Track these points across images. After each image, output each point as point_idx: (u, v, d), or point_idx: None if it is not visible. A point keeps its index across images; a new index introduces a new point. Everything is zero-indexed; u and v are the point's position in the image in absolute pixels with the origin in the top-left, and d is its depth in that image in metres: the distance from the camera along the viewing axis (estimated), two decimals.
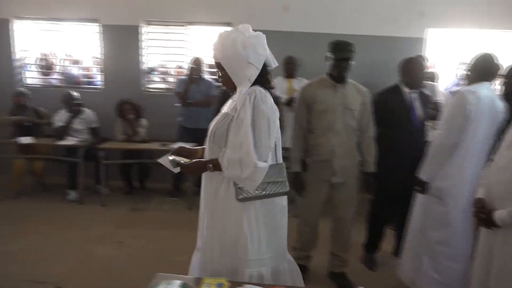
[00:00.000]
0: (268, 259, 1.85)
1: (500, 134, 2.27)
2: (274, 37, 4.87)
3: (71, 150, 4.72)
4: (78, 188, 4.71)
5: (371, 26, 5.00)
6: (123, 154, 4.89)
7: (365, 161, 2.85)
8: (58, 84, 5.69)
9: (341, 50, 2.69)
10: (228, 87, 1.83)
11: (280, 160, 1.82)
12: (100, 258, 3.32)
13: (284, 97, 4.39)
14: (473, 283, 2.01)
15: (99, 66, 5.53)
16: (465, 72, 2.58)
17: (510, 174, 1.76)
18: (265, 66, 1.79)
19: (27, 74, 5.65)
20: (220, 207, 1.84)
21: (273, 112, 1.74)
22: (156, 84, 5.67)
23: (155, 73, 5.69)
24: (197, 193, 2.07)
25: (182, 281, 1.59)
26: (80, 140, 4.75)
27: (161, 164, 1.89)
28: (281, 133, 3.23)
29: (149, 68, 5.50)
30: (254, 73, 1.72)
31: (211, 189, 1.86)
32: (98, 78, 5.62)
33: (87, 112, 4.96)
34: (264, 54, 1.75)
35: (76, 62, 6.03)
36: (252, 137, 1.66)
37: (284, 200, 1.88)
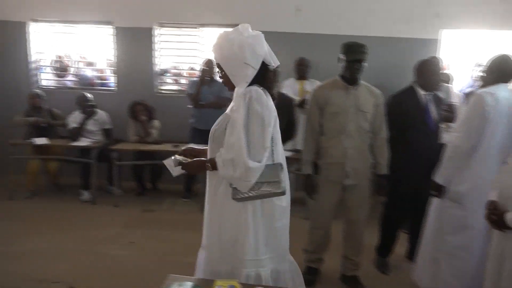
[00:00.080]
0: (267, 260, 1.84)
1: None
2: (286, 39, 4.98)
3: (84, 151, 4.77)
4: (91, 189, 4.76)
5: (384, 28, 4.96)
6: (136, 155, 4.93)
7: (377, 163, 2.82)
8: (72, 85, 5.77)
9: (354, 52, 2.67)
10: (229, 87, 1.84)
11: (278, 160, 1.80)
12: (112, 258, 3.34)
13: (296, 98, 4.38)
14: (486, 285, 1.99)
15: (112, 68, 5.59)
16: (480, 74, 2.54)
17: None
18: (265, 65, 1.79)
19: (43, 76, 5.74)
20: (219, 206, 1.85)
21: (269, 112, 1.73)
22: (169, 85, 5.71)
23: (168, 74, 5.73)
24: None
25: (193, 282, 1.59)
26: (93, 141, 4.80)
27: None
28: (293, 135, 3.26)
29: (161, 69, 5.54)
30: (251, 74, 1.73)
31: (212, 188, 1.88)
32: (112, 80, 5.67)
33: (101, 114, 5.01)
34: (262, 54, 1.75)
35: (90, 64, 6.11)
36: (244, 138, 1.67)
37: (283, 200, 1.85)
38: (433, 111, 3.02)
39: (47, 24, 5.52)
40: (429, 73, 2.97)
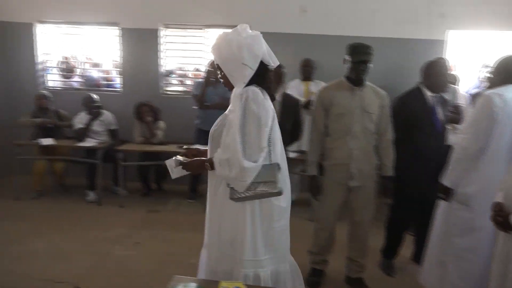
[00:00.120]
0: (267, 261, 1.83)
1: None
2: (291, 40, 4.98)
3: (90, 151, 4.79)
4: (97, 189, 4.78)
5: (390, 28, 4.94)
6: (141, 156, 4.95)
7: (383, 165, 2.81)
8: (79, 86, 5.79)
9: (359, 53, 2.66)
10: (228, 88, 1.84)
11: (276, 160, 1.79)
12: (118, 258, 3.35)
13: (301, 99, 4.37)
14: (491, 286, 1.98)
15: (118, 69, 5.61)
16: (487, 75, 2.52)
17: None
18: (264, 65, 1.79)
19: (49, 76, 5.77)
20: (219, 206, 1.86)
21: (266, 112, 1.73)
22: (174, 86, 5.72)
23: (173, 75, 5.74)
24: None
25: (198, 283, 1.59)
26: (99, 142, 4.82)
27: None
28: (300, 136, 3.25)
29: (167, 71, 5.56)
30: (248, 74, 1.73)
31: (212, 188, 1.89)
32: (117, 81, 5.70)
33: (107, 114, 5.04)
34: (260, 54, 1.75)
35: (96, 65, 6.14)
36: (240, 138, 1.67)
37: (282, 201, 1.85)
38: (440, 113, 3.00)
39: (53, 26, 5.56)
40: (436, 74, 2.95)
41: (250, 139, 1.70)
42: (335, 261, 3.07)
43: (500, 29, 4.85)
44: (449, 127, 3.16)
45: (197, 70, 5.83)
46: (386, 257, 3.27)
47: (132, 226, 4.08)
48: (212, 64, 4.66)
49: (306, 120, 3.62)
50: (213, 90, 4.65)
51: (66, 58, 5.97)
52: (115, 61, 5.72)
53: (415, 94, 3.03)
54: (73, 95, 5.37)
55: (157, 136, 4.94)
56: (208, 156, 1.88)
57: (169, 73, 5.62)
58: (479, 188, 2.35)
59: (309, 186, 2.86)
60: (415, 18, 4.93)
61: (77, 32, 5.58)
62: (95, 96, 5.00)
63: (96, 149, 4.71)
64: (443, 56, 4.63)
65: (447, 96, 3.16)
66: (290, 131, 3.16)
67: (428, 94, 2.99)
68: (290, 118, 3.11)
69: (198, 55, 5.38)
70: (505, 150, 2.33)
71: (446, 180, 2.46)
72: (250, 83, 1.75)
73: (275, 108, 2.96)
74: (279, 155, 1.83)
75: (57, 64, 5.90)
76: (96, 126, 4.93)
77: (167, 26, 5.35)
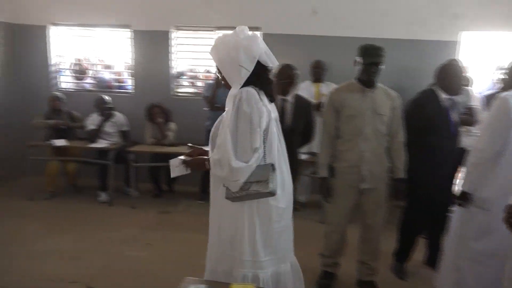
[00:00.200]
0: (267, 262, 1.83)
1: None
2: (302, 41, 4.97)
3: (102, 152, 4.83)
4: (109, 190, 4.81)
5: (402, 30, 4.90)
6: (152, 157, 4.98)
7: (394, 167, 2.79)
8: (91, 88, 5.86)
9: (371, 55, 2.64)
10: (228, 89, 1.85)
11: (272, 161, 1.79)
12: (129, 259, 3.37)
13: (312, 101, 4.36)
14: (504, 286, 1.94)
15: (130, 71, 5.65)
16: (502, 76, 2.48)
17: None
18: (262, 66, 1.79)
19: (62, 78, 5.84)
20: (218, 206, 1.88)
21: (259, 113, 1.73)
22: (185, 88, 5.75)
23: (184, 77, 5.77)
24: None
25: (209, 285, 1.60)
26: (111, 143, 4.86)
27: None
28: (312, 137, 3.24)
29: (178, 72, 5.58)
30: (244, 75, 1.75)
31: (213, 187, 1.92)
32: (129, 83, 5.75)
33: (118, 116, 5.08)
34: (256, 55, 1.76)
35: (108, 67, 6.19)
36: (231, 138, 1.70)
37: (281, 202, 1.84)
38: (454, 115, 2.96)
39: (66, 28, 5.63)
40: (451, 76, 2.91)
41: (241, 139, 1.71)
42: (347, 264, 3.05)
43: None
44: (463, 129, 3.12)
45: (208, 71, 5.85)
46: (398, 260, 3.24)
47: (143, 227, 4.11)
48: None
49: (317, 122, 3.61)
50: (223, 91, 4.62)
51: (78, 60, 6.04)
52: (127, 63, 5.76)
53: (430, 96, 2.99)
54: (86, 97, 5.42)
55: (168, 138, 4.97)
56: (210, 156, 1.90)
57: (180, 75, 5.65)
58: (497, 192, 2.30)
59: (320, 188, 2.85)
60: (427, 19, 4.88)
61: (90, 34, 5.65)
62: (107, 98, 5.04)
63: (108, 150, 4.75)
64: (456, 58, 4.57)
65: (460, 98, 3.13)
66: (302, 132, 3.15)
67: (443, 96, 2.95)
68: (302, 119, 3.10)
69: (209, 57, 5.36)
70: None
71: (464, 185, 2.41)
72: (247, 83, 1.76)
73: (286, 109, 3.01)
74: (276, 156, 1.82)
75: (70, 66, 5.97)
76: (108, 128, 4.97)
77: (178, 28, 5.38)
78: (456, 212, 2.56)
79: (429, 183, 2.93)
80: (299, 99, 3.14)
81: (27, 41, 5.58)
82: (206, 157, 1.89)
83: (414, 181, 2.85)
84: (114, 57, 6.12)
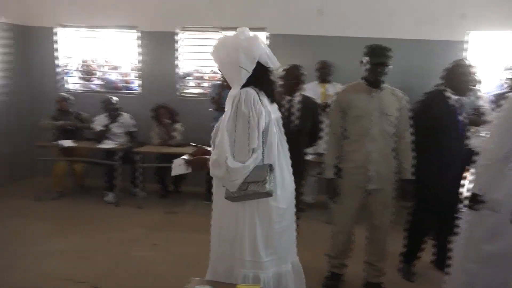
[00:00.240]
0: (268, 263, 1.83)
1: None
2: (308, 42, 4.96)
3: (109, 153, 4.85)
4: (116, 190, 4.84)
5: (409, 29, 4.88)
6: (159, 158, 4.99)
7: (402, 168, 2.77)
8: (98, 89, 5.89)
9: (377, 55, 2.63)
10: (230, 89, 1.86)
11: (270, 161, 1.78)
12: (136, 259, 3.39)
13: (318, 102, 4.35)
14: None
15: (136, 72, 5.68)
16: (510, 76, 2.46)
17: None
18: (262, 67, 1.80)
19: (69, 79, 5.88)
20: (219, 206, 1.89)
21: (258, 113, 1.73)
22: (191, 89, 5.76)
23: (190, 78, 5.78)
24: None
25: (215, 286, 1.60)
26: (118, 144, 4.88)
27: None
28: (319, 137, 3.24)
29: (184, 73, 5.60)
30: (244, 76, 1.76)
31: (215, 187, 1.91)
32: (136, 83, 5.77)
33: (125, 117, 5.10)
34: (256, 56, 1.76)
35: (115, 68, 6.22)
36: (228, 138, 1.70)
37: (281, 202, 1.84)
38: (462, 115, 2.94)
39: (74, 29, 5.67)
40: (459, 77, 2.89)
41: (239, 140, 1.71)
42: (354, 265, 3.03)
43: None
44: (471, 130, 3.10)
45: (214, 72, 5.86)
46: (406, 262, 3.21)
47: (150, 227, 4.12)
48: None
49: (324, 122, 3.60)
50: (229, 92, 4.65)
51: (86, 61, 6.07)
52: (134, 64, 5.79)
53: (438, 96, 2.96)
54: (93, 98, 5.45)
55: (174, 138, 4.98)
56: None
57: (186, 76, 5.66)
58: (507, 193, 2.28)
59: (327, 189, 2.84)
60: (434, 19, 4.85)
61: (97, 35, 5.68)
62: (114, 99, 5.07)
63: (115, 151, 4.78)
64: (464, 58, 4.54)
65: (468, 98, 3.10)
66: (309, 133, 3.14)
67: (452, 96, 2.92)
68: (309, 120, 3.09)
69: None
70: None
71: (474, 187, 2.36)
72: (247, 84, 1.77)
73: (293, 110, 3.00)
74: (277, 157, 1.82)
75: (77, 67, 6.00)
76: (115, 128, 4.99)
77: (184, 29, 5.39)
78: (464, 214, 2.53)
79: (437, 184, 2.91)
80: (306, 100, 3.13)
81: (35, 43, 5.63)
82: (208, 156, 1.90)
83: (422, 181, 2.83)
84: (121, 58, 6.15)
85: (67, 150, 4.89)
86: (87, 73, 6.03)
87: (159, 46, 5.43)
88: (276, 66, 1.86)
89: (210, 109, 4.84)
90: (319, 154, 4.07)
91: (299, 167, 3.10)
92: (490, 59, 5.18)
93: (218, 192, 1.87)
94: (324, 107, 4.18)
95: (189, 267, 3.18)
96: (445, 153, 2.91)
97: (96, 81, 6.00)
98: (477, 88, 4.16)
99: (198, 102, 5.39)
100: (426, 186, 2.88)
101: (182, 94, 5.56)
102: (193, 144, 2.13)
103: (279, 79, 3.00)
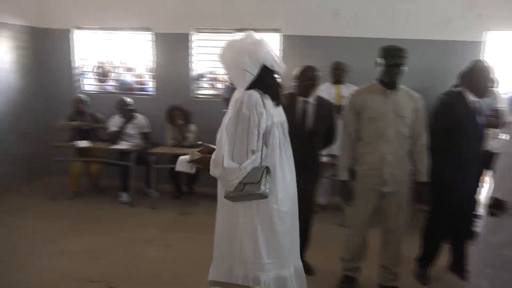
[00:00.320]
0: (269, 265, 1.82)
1: None
2: (323, 43, 4.94)
3: (124, 154, 4.90)
4: (130, 191, 4.88)
5: (425, 30, 4.82)
6: (172, 159, 5.01)
7: (417, 170, 2.73)
8: (113, 90, 5.95)
9: (393, 56, 2.59)
10: None
11: (271, 164, 1.79)
12: (150, 259, 3.41)
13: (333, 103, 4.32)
14: None
15: (151, 73, 5.72)
16: None
17: None
18: (268, 70, 1.81)
19: (85, 81, 5.96)
20: (221, 206, 1.92)
21: (259, 116, 1.74)
22: (205, 90, 5.78)
23: (204, 79, 5.80)
24: None
25: None
26: (132, 145, 4.92)
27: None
28: (334, 139, 3.21)
29: (198, 74, 5.62)
30: (248, 79, 1.77)
31: (219, 187, 1.92)
32: (150, 85, 5.81)
33: (140, 118, 5.14)
34: (261, 59, 1.78)
35: (129, 69, 6.28)
36: (227, 139, 1.73)
37: (282, 205, 1.84)
38: (480, 117, 2.88)
39: (90, 32, 5.74)
40: (478, 78, 2.83)
41: (239, 141, 1.73)
42: (368, 268, 3.00)
43: None
44: (489, 132, 3.04)
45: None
46: (421, 265, 3.16)
47: (164, 227, 4.14)
48: None
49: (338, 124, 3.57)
50: None
51: (101, 63, 6.14)
52: (148, 65, 5.84)
53: (457, 97, 2.90)
54: (108, 99, 5.50)
55: (188, 139, 5.00)
56: None
57: (200, 77, 5.68)
58: None
59: (341, 191, 2.81)
60: (451, 20, 4.78)
61: (112, 37, 5.75)
62: (128, 100, 5.11)
63: (130, 152, 4.82)
64: (482, 59, 4.46)
65: (486, 100, 3.04)
66: (324, 134, 3.12)
67: (471, 98, 2.87)
68: (324, 121, 3.06)
69: None
70: None
71: (495, 191, 2.30)
72: (252, 87, 1.78)
73: (308, 111, 2.98)
74: (278, 159, 1.82)
75: (93, 69, 6.07)
76: (130, 129, 5.03)
77: (198, 30, 5.42)
78: (483, 218, 2.48)
79: (454, 186, 2.86)
80: (320, 101, 3.11)
81: (52, 45, 5.71)
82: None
83: (439, 184, 2.78)
84: (135, 60, 6.20)
85: (82, 151, 4.95)
86: (102, 75, 6.10)
87: (173, 47, 5.46)
88: (283, 69, 1.87)
89: (224, 110, 4.82)
90: (333, 156, 4.04)
91: (314, 169, 3.08)
92: (508, 59, 5.08)
93: (221, 192, 1.90)
94: (338, 108, 4.15)
95: (203, 268, 3.15)
96: (463, 155, 2.85)
97: (111, 83, 6.06)
98: (495, 89, 4.08)
99: (212, 103, 5.40)
100: (443, 188, 2.83)
101: (196, 95, 5.58)
102: (200, 142, 2.15)
103: (293, 81, 2.99)
